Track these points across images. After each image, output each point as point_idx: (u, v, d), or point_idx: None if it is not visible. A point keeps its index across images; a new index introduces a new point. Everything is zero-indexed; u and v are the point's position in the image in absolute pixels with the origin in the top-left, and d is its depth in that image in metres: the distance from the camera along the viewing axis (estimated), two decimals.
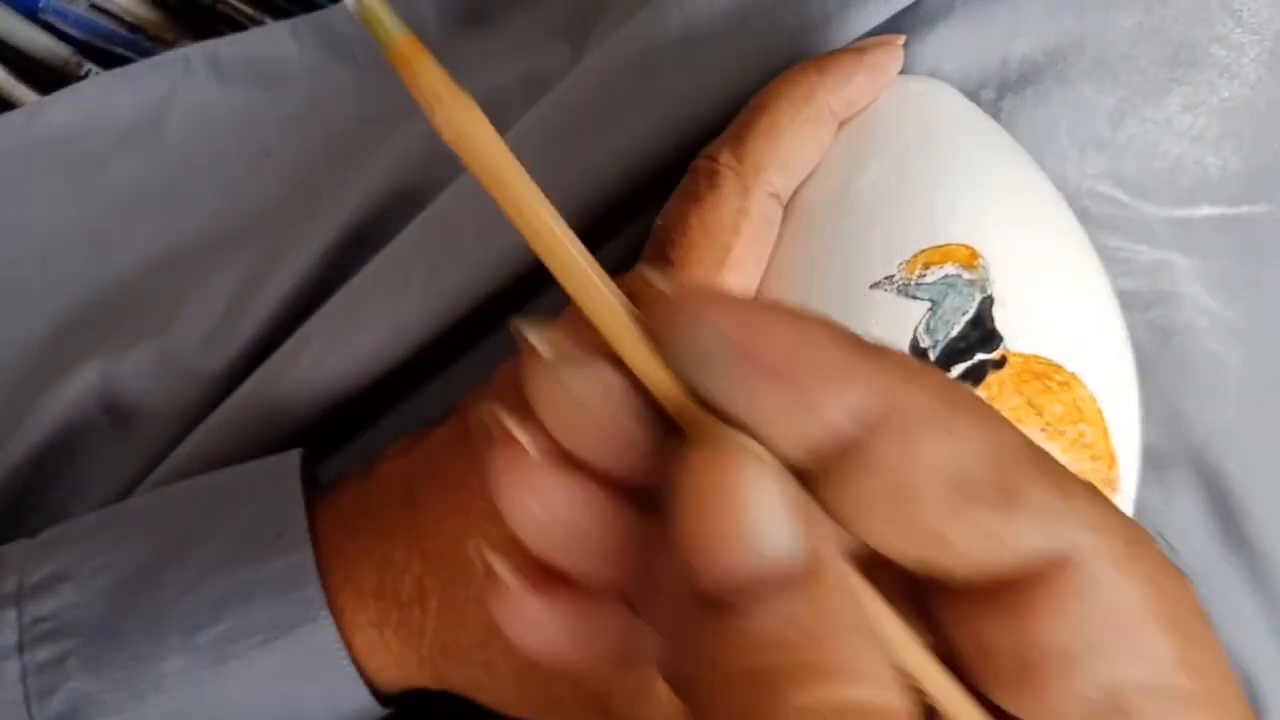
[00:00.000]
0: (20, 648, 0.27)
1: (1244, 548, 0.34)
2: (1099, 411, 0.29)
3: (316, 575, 0.28)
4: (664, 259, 0.29)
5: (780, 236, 0.30)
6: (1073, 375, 0.28)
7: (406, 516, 0.29)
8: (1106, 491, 0.28)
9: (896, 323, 0.28)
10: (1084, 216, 0.34)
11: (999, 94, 0.33)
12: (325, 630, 0.28)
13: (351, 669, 0.28)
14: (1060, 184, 0.33)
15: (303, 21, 0.45)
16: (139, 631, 0.28)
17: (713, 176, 0.29)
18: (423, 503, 0.29)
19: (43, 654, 0.27)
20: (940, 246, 0.28)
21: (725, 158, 0.29)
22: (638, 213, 0.35)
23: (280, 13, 0.47)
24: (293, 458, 0.31)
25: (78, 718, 0.27)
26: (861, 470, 0.17)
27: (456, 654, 0.28)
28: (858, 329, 0.27)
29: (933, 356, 0.28)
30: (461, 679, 0.28)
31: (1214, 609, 0.32)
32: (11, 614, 0.28)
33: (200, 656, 0.27)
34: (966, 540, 0.17)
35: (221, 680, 0.27)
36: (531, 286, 0.35)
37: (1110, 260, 0.34)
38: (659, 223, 0.29)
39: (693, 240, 0.28)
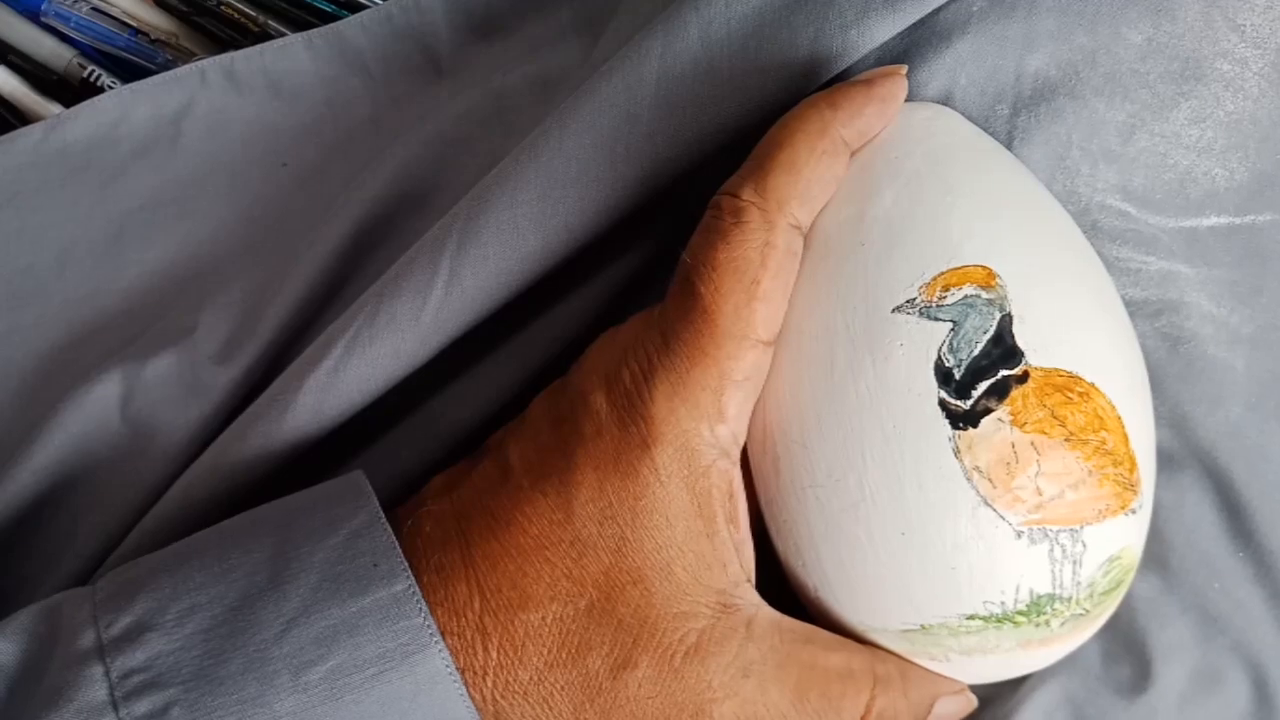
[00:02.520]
0: (114, 703, 0.26)
1: (1250, 544, 0.34)
2: (1118, 419, 0.29)
3: (424, 603, 0.28)
4: (693, 294, 0.29)
5: (802, 266, 0.30)
6: (1092, 385, 0.29)
7: (463, 555, 0.29)
8: (1129, 495, 0.29)
9: (920, 344, 0.29)
10: (1094, 229, 0.34)
11: (1014, 110, 0.34)
12: (438, 657, 0.27)
13: (464, 692, 0.28)
14: (1071, 198, 0.34)
15: (316, 34, 0.45)
16: (244, 674, 0.27)
17: (737, 212, 0.29)
18: (476, 540, 0.29)
19: (141, 707, 0.27)
20: (958, 269, 0.29)
21: (748, 193, 0.29)
22: (655, 224, 0.35)
23: (280, 14, 0.48)
24: (359, 481, 0.31)
25: None
26: None
27: (516, 692, 0.28)
28: (882, 352, 0.28)
29: (957, 375, 0.28)
30: (520, 718, 0.28)
31: (1224, 604, 0.34)
32: (97, 669, 0.27)
33: (313, 694, 0.27)
34: None
35: (336, 716, 0.27)
36: (553, 289, 0.36)
37: (1119, 271, 0.35)
38: (686, 259, 0.30)
39: (722, 275, 0.29)
